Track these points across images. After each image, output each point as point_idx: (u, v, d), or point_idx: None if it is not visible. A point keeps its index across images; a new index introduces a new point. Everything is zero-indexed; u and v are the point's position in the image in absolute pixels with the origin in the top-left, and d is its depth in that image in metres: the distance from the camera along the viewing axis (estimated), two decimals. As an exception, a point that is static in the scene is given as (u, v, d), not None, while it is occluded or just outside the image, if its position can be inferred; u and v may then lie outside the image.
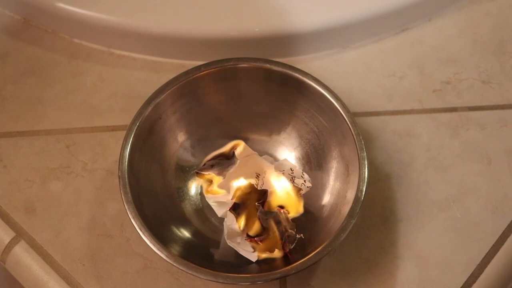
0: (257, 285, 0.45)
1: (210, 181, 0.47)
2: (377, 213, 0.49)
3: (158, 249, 0.41)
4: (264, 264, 0.44)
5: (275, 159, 0.49)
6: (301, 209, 0.46)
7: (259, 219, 0.44)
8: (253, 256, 0.44)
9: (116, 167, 0.45)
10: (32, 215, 0.49)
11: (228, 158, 0.47)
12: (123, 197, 0.42)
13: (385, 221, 0.48)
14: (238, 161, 0.46)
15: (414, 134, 0.53)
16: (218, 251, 0.45)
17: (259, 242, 0.44)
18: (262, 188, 0.45)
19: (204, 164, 0.47)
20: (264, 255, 0.44)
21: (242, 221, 0.44)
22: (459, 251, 0.47)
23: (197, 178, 0.47)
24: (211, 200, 0.47)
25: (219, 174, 0.46)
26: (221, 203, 0.46)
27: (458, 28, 0.59)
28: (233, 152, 0.46)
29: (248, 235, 0.44)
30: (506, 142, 0.52)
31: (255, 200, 0.45)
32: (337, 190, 0.46)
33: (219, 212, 0.46)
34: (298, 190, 0.45)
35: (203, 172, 0.46)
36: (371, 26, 0.57)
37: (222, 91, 0.49)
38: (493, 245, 0.48)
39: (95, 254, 0.47)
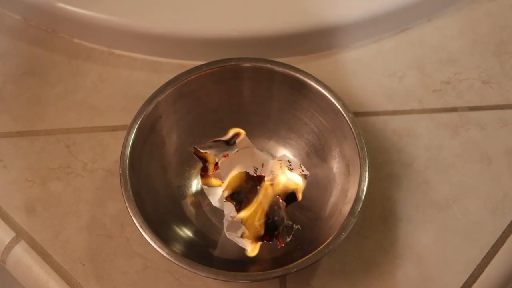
0: (258, 283, 0.45)
1: (205, 162, 0.47)
2: (377, 213, 0.49)
3: (159, 247, 0.41)
4: (265, 263, 0.44)
5: (274, 157, 0.49)
6: (299, 197, 0.46)
7: (261, 203, 0.44)
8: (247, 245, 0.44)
9: (116, 167, 0.45)
10: (32, 215, 0.49)
11: (228, 144, 0.47)
12: (124, 194, 0.42)
13: (385, 221, 0.48)
14: (237, 149, 0.46)
15: (414, 134, 0.53)
16: (219, 249, 0.45)
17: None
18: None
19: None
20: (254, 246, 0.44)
21: (242, 208, 0.45)
22: (459, 251, 0.47)
23: (193, 155, 0.47)
24: (205, 187, 0.47)
25: (215, 155, 0.46)
26: (215, 190, 0.46)
27: (458, 28, 0.59)
28: (234, 141, 0.46)
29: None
30: (506, 142, 0.52)
31: (251, 188, 0.45)
32: (337, 189, 0.46)
33: (213, 199, 0.47)
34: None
35: (200, 150, 0.46)
36: (371, 26, 0.57)
37: (223, 91, 0.49)
38: (493, 245, 0.48)
39: (95, 254, 0.47)
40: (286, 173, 0.47)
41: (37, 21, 0.59)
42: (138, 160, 0.45)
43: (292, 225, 0.44)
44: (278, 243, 0.44)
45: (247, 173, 0.45)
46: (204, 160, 0.47)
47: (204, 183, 0.47)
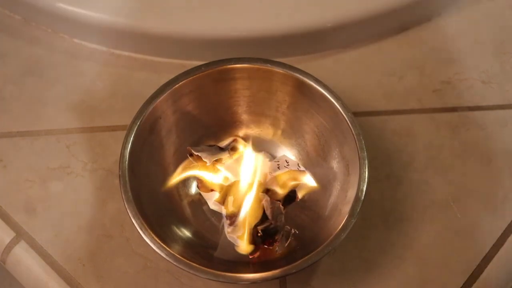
0: (258, 284, 0.45)
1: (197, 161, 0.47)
2: (377, 213, 0.49)
3: (158, 248, 0.41)
4: (264, 264, 0.44)
5: (274, 157, 0.50)
6: (298, 197, 0.47)
7: (263, 208, 0.45)
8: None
9: (116, 167, 0.45)
10: (32, 215, 0.49)
11: (221, 149, 0.47)
12: (123, 196, 0.42)
13: (385, 221, 0.48)
14: (228, 155, 0.47)
15: (414, 134, 0.53)
16: (218, 250, 0.45)
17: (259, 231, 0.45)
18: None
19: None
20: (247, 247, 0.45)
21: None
22: (459, 251, 0.47)
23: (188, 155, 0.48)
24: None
25: (205, 158, 0.46)
26: (212, 194, 0.47)
27: (458, 28, 0.59)
28: (228, 148, 0.47)
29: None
30: (506, 142, 0.52)
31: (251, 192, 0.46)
32: (337, 189, 0.46)
33: (211, 202, 0.47)
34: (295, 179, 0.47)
35: (193, 151, 0.47)
36: (371, 26, 0.57)
37: (223, 91, 0.49)
38: (493, 245, 0.48)
39: (95, 254, 0.47)
40: (286, 172, 0.47)
41: (37, 21, 0.59)
42: (138, 161, 0.44)
43: (290, 230, 0.44)
44: (277, 249, 0.44)
45: (244, 180, 0.46)
46: (195, 160, 0.47)
47: (201, 190, 0.47)
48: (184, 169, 0.47)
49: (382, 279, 0.46)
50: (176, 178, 0.47)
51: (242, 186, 0.46)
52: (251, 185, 0.46)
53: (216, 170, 0.47)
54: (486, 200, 0.49)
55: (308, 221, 0.46)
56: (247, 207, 0.45)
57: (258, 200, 0.45)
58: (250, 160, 0.47)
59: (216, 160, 0.47)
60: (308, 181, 0.47)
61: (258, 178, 0.46)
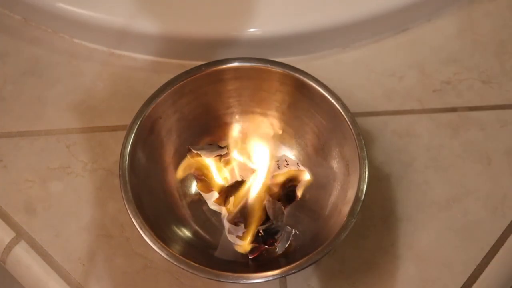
0: (258, 284, 0.45)
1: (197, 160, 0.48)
2: (377, 213, 0.49)
3: (158, 248, 0.41)
4: (264, 264, 0.44)
5: (274, 157, 0.50)
6: (298, 197, 0.47)
7: (265, 208, 0.45)
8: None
9: (116, 167, 0.45)
10: (32, 215, 0.49)
11: (220, 148, 0.48)
12: (123, 196, 0.42)
13: (385, 221, 0.48)
14: (226, 152, 0.47)
15: (414, 134, 0.53)
16: (218, 250, 0.45)
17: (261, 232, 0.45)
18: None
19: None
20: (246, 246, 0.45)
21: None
22: (459, 251, 0.47)
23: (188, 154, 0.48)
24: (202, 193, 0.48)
25: (205, 155, 0.47)
26: (212, 194, 0.47)
27: (458, 28, 0.59)
28: (228, 147, 0.47)
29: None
30: (506, 142, 0.52)
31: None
32: (337, 189, 0.46)
33: (210, 202, 0.47)
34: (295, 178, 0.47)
35: (193, 149, 0.47)
36: (371, 26, 0.57)
37: (223, 91, 0.49)
38: (493, 245, 0.48)
39: (95, 254, 0.47)
40: (286, 172, 0.47)
41: (37, 21, 0.59)
42: (138, 161, 0.44)
43: (291, 230, 0.44)
44: (277, 249, 0.44)
45: (245, 182, 0.46)
46: (195, 158, 0.47)
47: (201, 190, 0.47)
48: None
49: (382, 279, 0.46)
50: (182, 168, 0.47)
51: (243, 186, 0.46)
52: (252, 185, 0.46)
53: (219, 168, 0.47)
54: (486, 200, 0.49)
55: (308, 221, 0.46)
56: (249, 207, 0.45)
57: (260, 200, 0.45)
58: (250, 160, 0.47)
59: (218, 156, 0.47)
60: (306, 177, 0.47)
61: (258, 179, 0.46)
